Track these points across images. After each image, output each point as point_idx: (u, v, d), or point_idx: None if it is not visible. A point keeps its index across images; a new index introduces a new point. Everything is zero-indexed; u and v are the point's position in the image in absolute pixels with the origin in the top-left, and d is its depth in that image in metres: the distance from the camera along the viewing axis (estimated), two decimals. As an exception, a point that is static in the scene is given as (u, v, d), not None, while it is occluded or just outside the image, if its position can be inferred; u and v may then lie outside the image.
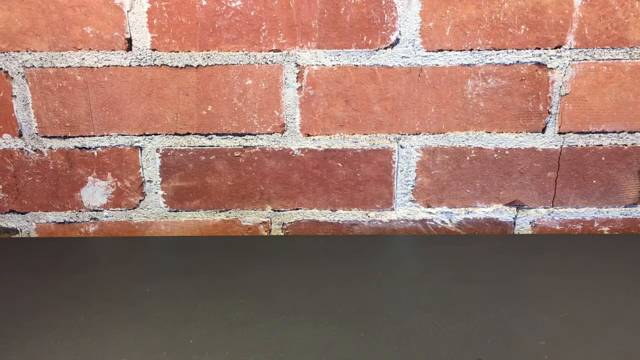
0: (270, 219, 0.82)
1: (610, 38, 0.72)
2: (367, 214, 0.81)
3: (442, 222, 0.82)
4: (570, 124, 0.76)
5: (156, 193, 0.80)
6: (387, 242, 0.78)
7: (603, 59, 0.73)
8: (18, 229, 0.83)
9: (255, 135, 0.77)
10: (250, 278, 0.69)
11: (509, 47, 0.73)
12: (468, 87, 0.75)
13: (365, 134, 0.77)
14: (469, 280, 0.68)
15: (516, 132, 0.77)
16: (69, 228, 0.83)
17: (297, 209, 0.81)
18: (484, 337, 0.57)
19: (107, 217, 0.82)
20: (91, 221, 0.82)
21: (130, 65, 0.74)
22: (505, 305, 0.62)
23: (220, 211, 0.82)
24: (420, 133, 0.77)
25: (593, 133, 0.76)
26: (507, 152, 0.78)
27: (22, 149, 0.78)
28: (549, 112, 0.76)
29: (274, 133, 0.77)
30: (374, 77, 0.74)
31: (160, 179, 0.80)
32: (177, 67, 0.74)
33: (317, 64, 0.74)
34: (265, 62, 0.74)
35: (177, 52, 0.74)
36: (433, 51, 0.73)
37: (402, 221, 0.82)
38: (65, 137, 0.78)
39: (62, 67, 0.74)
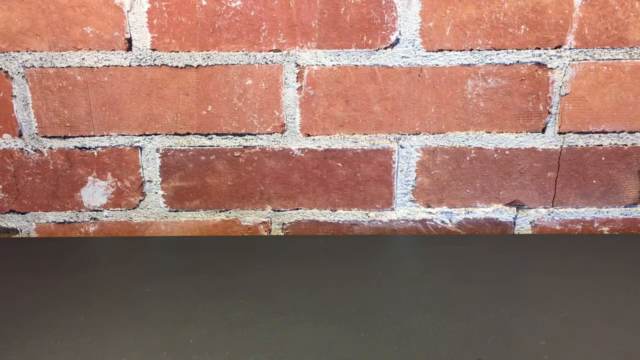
0: (270, 219, 0.82)
1: (610, 38, 0.72)
2: (367, 214, 0.81)
3: (442, 222, 0.82)
4: (570, 124, 0.76)
5: (156, 193, 0.80)
6: (387, 242, 0.78)
7: (603, 59, 0.73)
8: (18, 229, 0.83)
9: (255, 135, 0.77)
10: (250, 278, 0.69)
11: (509, 47, 0.73)
12: (468, 87, 0.75)
13: (365, 134, 0.77)
14: (469, 280, 0.68)
15: (516, 132, 0.77)
16: (69, 228, 0.83)
17: (297, 209, 0.81)
18: (484, 337, 0.57)
19: (107, 217, 0.82)
20: (91, 221, 0.82)
21: (130, 65, 0.74)
22: (505, 305, 0.62)
23: (220, 211, 0.82)
24: (420, 133, 0.77)
25: (593, 133, 0.76)
26: (507, 152, 0.78)
27: (22, 149, 0.78)
28: (549, 112, 0.76)
29: (274, 133, 0.77)
30: (374, 77, 0.74)
31: (160, 179, 0.80)
32: (177, 67, 0.74)
33: (317, 64, 0.74)
34: (265, 62, 0.74)
35: (177, 52, 0.74)
36: (433, 51, 0.73)
37: (402, 221, 0.82)
38: (65, 137, 0.78)
39: (62, 67, 0.74)
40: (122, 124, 0.77)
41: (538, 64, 0.73)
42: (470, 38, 0.72)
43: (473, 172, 0.79)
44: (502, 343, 0.56)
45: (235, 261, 0.73)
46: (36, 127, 0.77)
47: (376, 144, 0.78)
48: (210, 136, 0.77)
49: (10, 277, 0.70)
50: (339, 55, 0.74)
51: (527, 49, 0.73)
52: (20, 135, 0.77)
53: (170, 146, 0.78)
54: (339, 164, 0.79)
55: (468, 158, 0.78)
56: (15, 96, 0.76)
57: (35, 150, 0.78)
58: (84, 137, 0.78)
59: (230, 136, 0.77)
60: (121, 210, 0.82)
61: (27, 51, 0.74)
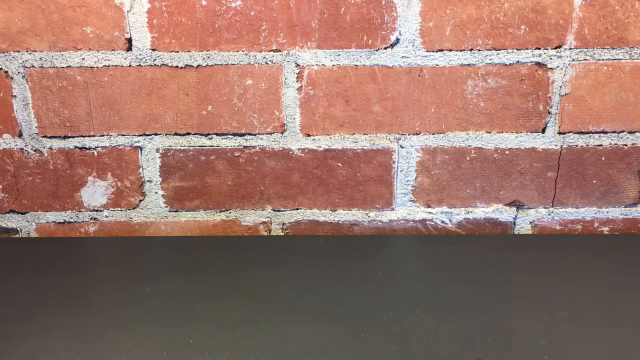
0: (270, 219, 0.82)
1: (610, 38, 0.72)
2: (367, 214, 0.81)
3: (442, 222, 0.82)
4: (570, 124, 0.76)
5: (156, 193, 0.80)
6: (387, 242, 0.78)
7: (603, 59, 0.73)
8: (18, 229, 0.83)
9: (255, 135, 0.77)
10: (250, 278, 0.69)
11: (509, 47, 0.73)
12: (468, 87, 0.75)
13: (365, 134, 0.77)
14: (469, 280, 0.68)
15: (516, 132, 0.77)
16: (69, 228, 0.83)
17: (297, 209, 0.81)
18: (484, 337, 0.57)
19: (107, 217, 0.82)
20: (91, 221, 0.82)
21: (130, 65, 0.74)
22: (505, 305, 0.62)
23: (220, 211, 0.82)
24: (420, 133, 0.77)
25: (593, 133, 0.76)
26: (507, 152, 0.78)
27: (22, 149, 0.78)
28: (549, 112, 0.76)
29: (274, 133, 0.77)
30: (374, 77, 0.74)
31: (160, 179, 0.80)
32: (177, 67, 0.74)
33: (317, 64, 0.74)
34: (265, 62, 0.74)
35: (177, 52, 0.74)
36: (433, 51, 0.73)
37: (402, 221, 0.82)
38: (65, 137, 0.78)
39: (62, 67, 0.74)
40: (122, 124, 0.77)
41: (538, 64, 0.73)
42: (470, 38, 0.72)
43: (473, 172, 0.79)
44: (502, 343, 0.56)
45: (235, 261, 0.73)
46: (36, 127, 0.77)
47: (376, 144, 0.78)
48: (210, 136, 0.78)
49: (10, 277, 0.70)
50: (339, 55, 0.74)
51: (527, 49, 0.73)
52: (20, 135, 0.77)
53: (170, 146, 0.78)
54: (339, 164, 0.79)
55: (468, 158, 0.78)
56: (15, 96, 0.76)
57: (35, 150, 0.78)
58: (84, 137, 0.78)
59: (230, 136, 0.77)
60: (121, 210, 0.82)
61: (27, 51, 0.74)
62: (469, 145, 0.77)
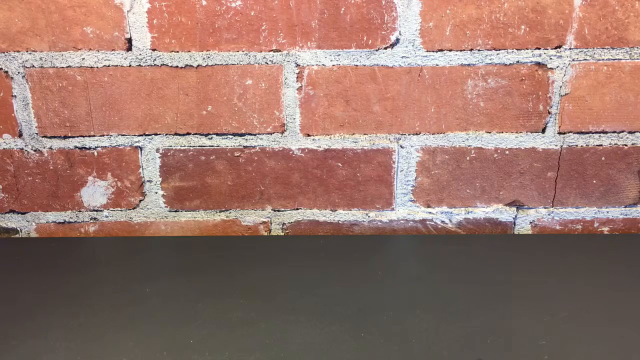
0: (270, 219, 0.82)
1: (610, 38, 0.72)
2: (367, 214, 0.81)
3: (442, 222, 0.82)
4: (570, 124, 0.76)
5: (156, 193, 0.80)
6: (387, 242, 0.78)
7: (603, 59, 0.73)
8: (18, 229, 0.83)
9: (255, 135, 0.77)
10: (250, 278, 0.69)
11: (509, 47, 0.73)
12: (468, 87, 0.75)
13: (365, 134, 0.77)
14: (469, 280, 0.68)
15: (516, 132, 0.77)
16: (69, 228, 0.83)
17: (297, 209, 0.81)
18: (484, 337, 0.57)
19: (107, 217, 0.82)
20: (91, 221, 0.82)
21: (130, 65, 0.74)
22: (505, 305, 0.62)
23: (220, 211, 0.82)
24: (420, 133, 0.77)
25: (593, 133, 0.76)
26: (507, 152, 0.78)
27: (22, 149, 0.78)
28: (549, 112, 0.76)
29: (274, 133, 0.77)
30: (374, 77, 0.74)
31: (160, 179, 0.80)
32: (177, 67, 0.74)
33: (317, 64, 0.74)
34: (265, 62, 0.74)
35: (177, 52, 0.74)
36: (433, 51, 0.73)
37: (402, 221, 0.82)
38: (65, 137, 0.78)
39: (62, 67, 0.74)
40: (122, 124, 0.77)
41: (538, 64, 0.73)
42: (470, 38, 0.72)
43: (473, 172, 0.79)
44: (502, 343, 0.56)
45: (235, 261, 0.73)
46: (36, 127, 0.77)
47: (376, 144, 0.78)
48: (210, 136, 0.78)
49: (10, 277, 0.70)
50: (339, 55, 0.74)
51: (527, 49, 0.73)
52: (20, 135, 0.77)
53: (170, 146, 0.78)
54: (339, 164, 0.79)
55: (468, 158, 0.78)
56: (15, 96, 0.76)
57: (35, 150, 0.78)
58: (84, 137, 0.78)
59: (230, 136, 0.77)
60: (121, 210, 0.82)
61: (27, 51, 0.74)
62: (469, 145, 0.77)
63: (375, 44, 0.73)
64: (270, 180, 0.80)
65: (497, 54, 0.73)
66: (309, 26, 0.72)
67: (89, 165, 0.79)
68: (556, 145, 0.77)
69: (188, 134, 0.77)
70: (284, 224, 0.82)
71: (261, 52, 0.74)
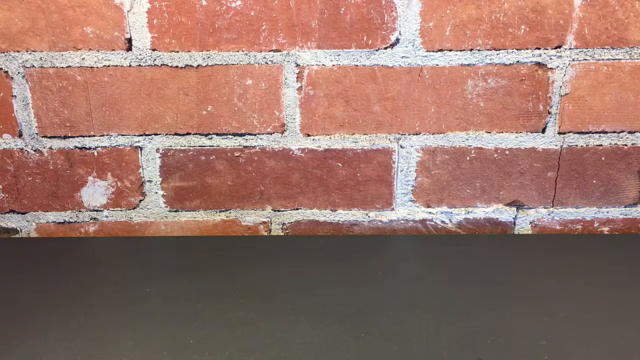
0: (270, 219, 0.82)
1: (610, 38, 0.72)
2: (367, 214, 0.81)
3: (442, 222, 0.82)
4: (570, 124, 0.76)
5: (156, 193, 0.80)
6: (387, 242, 0.78)
7: (603, 59, 0.73)
8: (18, 229, 0.83)
9: (255, 135, 0.77)
10: (250, 278, 0.69)
11: (509, 47, 0.73)
12: (468, 87, 0.75)
13: (365, 134, 0.77)
14: (469, 280, 0.68)
15: (516, 132, 0.77)
16: (69, 228, 0.83)
17: (297, 209, 0.81)
18: (484, 337, 0.57)
19: (107, 217, 0.82)
20: (91, 221, 0.82)
21: (130, 65, 0.74)
22: (505, 305, 0.62)
23: (220, 211, 0.82)
24: (420, 133, 0.77)
25: (593, 133, 0.76)
26: (507, 152, 0.78)
27: (22, 149, 0.78)
28: (549, 112, 0.76)
29: (274, 133, 0.77)
30: (374, 77, 0.74)
31: (160, 179, 0.80)
32: (177, 67, 0.74)
33: (317, 64, 0.74)
34: (265, 62, 0.74)
35: (177, 52, 0.74)
36: (433, 51, 0.73)
37: (402, 221, 0.82)
38: (65, 137, 0.78)
39: (62, 67, 0.74)
40: (122, 124, 0.77)
41: (538, 64, 0.73)
42: (470, 38, 0.72)
43: (473, 172, 0.79)
44: (502, 343, 0.56)
45: (235, 261, 0.73)
46: (36, 127, 0.77)
47: (376, 144, 0.78)
48: (210, 136, 0.78)
49: (10, 277, 0.70)
50: (339, 55, 0.74)
51: (527, 49, 0.73)
52: (20, 135, 0.77)
53: (170, 146, 0.78)
54: (339, 164, 0.79)
55: (468, 158, 0.78)
56: (15, 96, 0.76)
57: (35, 150, 0.78)
58: (84, 137, 0.78)
59: (230, 136, 0.77)
60: (121, 210, 0.82)
61: (27, 51, 0.74)
62: (469, 145, 0.77)
63: (375, 44, 0.73)
64: (270, 180, 0.80)
65: (497, 54, 0.73)
66: (309, 26, 0.72)
67: (89, 165, 0.79)
68: (556, 145, 0.77)
69: (188, 134, 0.77)
70: (284, 224, 0.82)
71: (261, 52, 0.74)
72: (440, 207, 0.81)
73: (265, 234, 0.83)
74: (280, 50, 0.73)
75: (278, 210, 0.81)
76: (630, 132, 0.76)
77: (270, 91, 0.75)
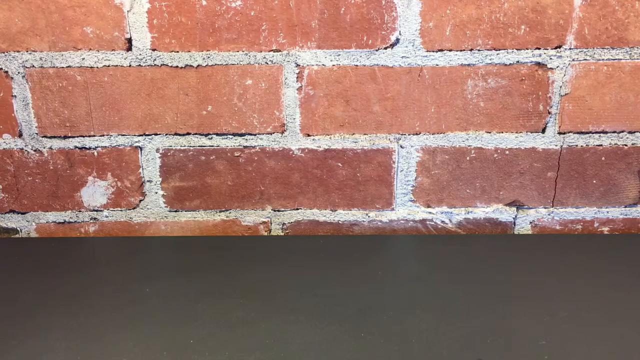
0: (270, 219, 0.82)
1: (610, 38, 0.72)
2: (367, 214, 0.81)
3: (442, 222, 0.82)
4: (570, 124, 0.76)
5: (156, 193, 0.80)
6: (387, 242, 0.78)
7: (603, 59, 0.73)
8: (18, 229, 0.83)
9: (255, 135, 0.77)
10: (250, 278, 0.69)
11: (509, 47, 0.73)
12: (468, 87, 0.75)
13: (365, 134, 0.77)
14: (469, 280, 0.68)
15: (516, 132, 0.77)
16: (69, 228, 0.83)
17: (297, 209, 0.81)
18: (484, 337, 0.57)
19: (107, 217, 0.82)
20: (91, 221, 0.82)
21: (130, 65, 0.74)
22: (505, 305, 0.62)
23: (220, 211, 0.82)
24: (420, 133, 0.77)
25: (593, 133, 0.76)
26: (507, 152, 0.78)
27: (22, 149, 0.78)
28: (549, 112, 0.76)
29: (274, 133, 0.77)
30: (374, 77, 0.74)
31: (160, 179, 0.80)
32: (177, 67, 0.74)
33: (317, 64, 0.74)
34: (265, 62, 0.74)
35: (177, 52, 0.74)
36: (433, 51, 0.73)
37: (402, 221, 0.82)
38: (65, 137, 0.78)
39: (62, 67, 0.74)
40: (122, 124, 0.77)
41: (538, 64, 0.73)
42: (470, 38, 0.72)
43: (473, 172, 0.79)
44: (502, 343, 0.56)
45: (235, 261, 0.73)
46: (36, 127, 0.77)
47: (376, 144, 0.78)
48: (210, 136, 0.78)
49: (10, 277, 0.70)
50: (339, 55, 0.74)
51: (527, 49, 0.73)
52: (20, 135, 0.77)
53: (170, 146, 0.78)
54: (339, 164, 0.79)
55: (468, 158, 0.78)
56: (15, 96, 0.76)
57: (35, 150, 0.78)
58: (84, 137, 0.78)
59: (230, 136, 0.77)
60: (121, 210, 0.82)
61: (27, 51, 0.74)
62: (469, 145, 0.77)
63: (375, 44, 0.73)
64: (270, 180, 0.80)
65: (497, 54, 0.73)
66: (309, 26, 0.72)
67: (89, 165, 0.79)
68: (556, 145, 0.77)
69: (188, 134, 0.77)
70: (284, 224, 0.82)
71: (261, 52, 0.74)
72: (440, 207, 0.81)
73: (265, 234, 0.83)
74: (280, 50, 0.73)
75: (278, 210, 0.81)
76: (630, 132, 0.76)
77: (270, 91, 0.75)
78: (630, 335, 0.57)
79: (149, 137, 0.78)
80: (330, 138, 0.77)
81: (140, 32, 0.73)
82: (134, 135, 0.77)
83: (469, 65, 0.74)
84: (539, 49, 0.73)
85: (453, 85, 0.74)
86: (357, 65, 0.74)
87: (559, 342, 0.56)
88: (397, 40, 0.73)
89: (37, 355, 0.56)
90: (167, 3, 0.72)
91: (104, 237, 0.82)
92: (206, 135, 0.77)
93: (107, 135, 0.77)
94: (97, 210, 0.82)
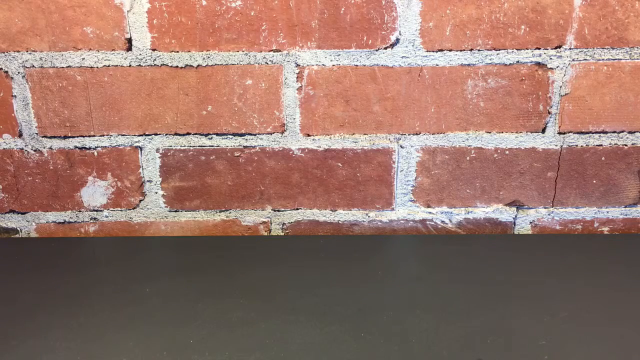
0: (270, 219, 0.82)
1: (610, 38, 0.72)
2: (367, 214, 0.81)
3: (442, 222, 0.82)
4: (570, 124, 0.76)
5: (156, 193, 0.80)
6: (387, 242, 0.78)
7: (603, 59, 0.73)
8: (18, 229, 0.83)
9: (255, 135, 0.77)
10: (250, 278, 0.69)
11: (509, 47, 0.73)
12: (468, 87, 0.75)
13: (365, 134, 0.77)
14: (469, 280, 0.68)
15: (516, 132, 0.77)
16: (69, 228, 0.83)
17: (297, 209, 0.81)
18: (484, 337, 0.57)
19: (107, 217, 0.82)
20: (91, 221, 0.82)
21: (130, 65, 0.74)
22: (505, 305, 0.62)
23: (220, 211, 0.82)
24: (420, 133, 0.77)
25: (593, 133, 0.76)
26: (507, 152, 0.78)
27: (22, 149, 0.78)
28: (549, 112, 0.76)
29: (274, 133, 0.77)
30: (374, 77, 0.74)
31: (160, 179, 0.80)
32: (177, 67, 0.74)
33: (317, 64, 0.74)
34: (265, 62, 0.74)
35: (177, 52, 0.74)
36: (433, 51, 0.73)
37: (402, 221, 0.82)
38: (65, 137, 0.78)
39: (62, 67, 0.74)
40: (122, 124, 0.77)
41: (538, 64, 0.73)
42: (470, 38, 0.72)
43: (473, 172, 0.79)
44: (502, 343, 0.56)
45: (235, 261, 0.73)
46: (36, 127, 0.77)
47: (376, 144, 0.78)
48: (210, 136, 0.78)
49: (10, 277, 0.70)
50: (339, 55, 0.74)
51: (527, 49, 0.73)
52: (20, 135, 0.77)
53: (170, 146, 0.78)
54: (339, 164, 0.79)
55: (468, 158, 0.78)
56: (15, 96, 0.76)
57: (35, 150, 0.78)
58: (84, 137, 0.78)
59: (230, 136, 0.77)
60: (121, 210, 0.82)
61: (27, 51, 0.74)
62: (469, 145, 0.77)
63: (375, 44, 0.73)
64: (270, 180, 0.80)
65: (497, 54, 0.73)
66: (309, 26, 0.72)
67: (89, 165, 0.79)
68: (556, 145, 0.77)
69: (188, 134, 0.77)
70: (284, 224, 0.82)
71: (261, 52, 0.74)
72: (440, 207, 0.81)
73: (265, 234, 0.83)
74: (280, 50, 0.73)
75: (278, 210, 0.81)
76: (630, 132, 0.76)
77: (270, 91, 0.75)
78: (630, 335, 0.57)
79: (149, 137, 0.78)
80: (330, 138, 0.77)
81: (140, 32, 0.73)
82: (134, 135, 0.77)
83: (469, 65, 0.74)
84: (539, 49, 0.73)
85: (453, 85, 0.74)
86: (357, 65, 0.74)
87: (559, 342, 0.56)
88: (397, 40, 0.73)
89: (37, 355, 0.56)
90: (167, 3, 0.72)
91: (104, 237, 0.82)
92: (206, 135, 0.77)
93: (107, 135, 0.77)
94: (97, 210, 0.82)
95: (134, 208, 0.81)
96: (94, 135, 0.77)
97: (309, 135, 0.77)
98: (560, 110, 0.75)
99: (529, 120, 0.76)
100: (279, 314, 0.62)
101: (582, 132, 0.76)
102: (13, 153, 0.78)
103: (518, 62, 0.73)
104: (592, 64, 0.73)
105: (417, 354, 0.55)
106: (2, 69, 0.74)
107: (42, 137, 0.78)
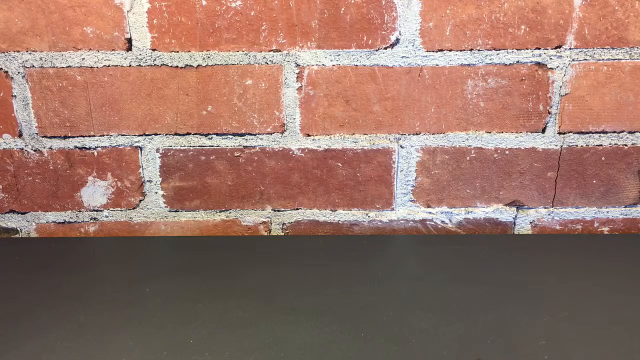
0: (270, 219, 0.82)
1: (610, 38, 0.72)
2: (367, 214, 0.81)
3: (442, 222, 0.82)
4: (570, 124, 0.76)
5: (156, 193, 0.80)
6: (387, 242, 0.78)
7: (603, 59, 0.73)
8: (18, 229, 0.83)
9: (255, 135, 0.77)
10: (250, 278, 0.69)
11: (509, 47, 0.73)
12: (468, 87, 0.75)
13: (365, 134, 0.77)
14: (469, 280, 0.68)
15: (516, 132, 0.77)
16: (69, 228, 0.83)
17: (297, 209, 0.81)
18: (484, 337, 0.57)
19: (107, 217, 0.82)
20: (91, 221, 0.82)
21: (130, 65, 0.74)
22: (505, 305, 0.62)
23: (220, 211, 0.82)
24: (420, 133, 0.77)
25: (593, 133, 0.76)
26: (507, 152, 0.78)
27: (22, 149, 0.78)
28: (549, 112, 0.76)
29: (274, 133, 0.77)
30: (374, 77, 0.74)
31: (160, 179, 0.80)
32: (177, 67, 0.74)
33: (317, 64, 0.74)
34: (265, 62, 0.74)
35: (177, 52, 0.74)
36: (433, 51, 0.73)
37: (402, 221, 0.82)
38: (65, 137, 0.78)
39: (62, 67, 0.74)
40: (122, 124, 0.77)
41: (538, 64, 0.73)
42: (470, 38, 0.72)
43: (473, 172, 0.79)
44: (502, 343, 0.56)
45: (235, 261, 0.73)
46: (36, 127, 0.77)
47: (376, 144, 0.78)
48: (210, 136, 0.78)
49: (10, 277, 0.70)
50: (339, 55, 0.74)
51: (527, 49, 0.73)
52: (20, 135, 0.77)
53: (170, 146, 0.78)
54: (339, 164, 0.79)
55: (468, 158, 0.78)
56: (15, 96, 0.76)
57: (35, 150, 0.78)
58: (84, 137, 0.78)
59: (230, 136, 0.77)
60: (121, 210, 0.82)
61: (27, 51, 0.74)
62: (469, 145, 0.77)
63: (375, 44, 0.73)
64: (270, 180, 0.80)
65: (497, 54, 0.73)
66: (309, 26, 0.72)
67: (89, 165, 0.79)
68: (556, 145, 0.77)
69: (188, 134, 0.77)
70: (284, 224, 0.82)
71: (261, 52, 0.74)
72: (440, 207, 0.81)
73: (265, 234, 0.83)
74: (280, 50, 0.73)
75: (278, 210, 0.81)
76: (630, 132, 0.76)
77: (270, 91, 0.75)
78: (630, 335, 0.57)
79: (149, 137, 0.78)
80: (330, 138, 0.77)
81: (140, 32, 0.73)
82: (134, 135, 0.77)
83: (469, 65, 0.74)
84: (539, 49, 0.73)
85: (453, 85, 0.74)
86: (357, 65, 0.74)
87: (559, 342, 0.56)
88: (397, 40, 0.73)
89: (37, 355, 0.56)
90: (167, 3, 0.72)
91: (104, 237, 0.82)
92: (206, 135, 0.77)
93: (107, 135, 0.77)
94: (97, 210, 0.82)
95: (134, 208, 0.81)
96: (94, 135, 0.77)
97: (309, 135, 0.77)
98: (560, 110, 0.75)
99: (529, 120, 0.76)
100: (278, 314, 0.61)
101: (582, 132, 0.76)
102: (13, 153, 0.78)
103: (518, 62, 0.73)
104: (592, 64, 0.73)
105: (417, 354, 0.55)
106: (2, 69, 0.74)
107: (42, 137, 0.78)
